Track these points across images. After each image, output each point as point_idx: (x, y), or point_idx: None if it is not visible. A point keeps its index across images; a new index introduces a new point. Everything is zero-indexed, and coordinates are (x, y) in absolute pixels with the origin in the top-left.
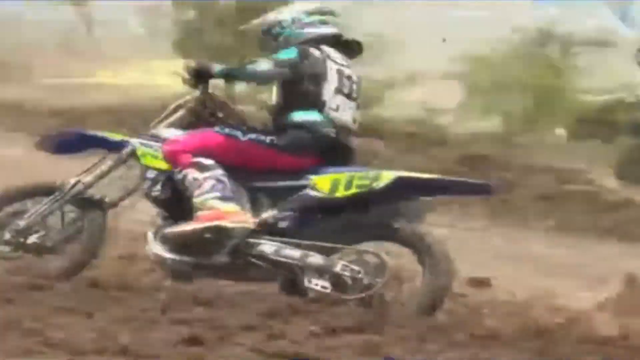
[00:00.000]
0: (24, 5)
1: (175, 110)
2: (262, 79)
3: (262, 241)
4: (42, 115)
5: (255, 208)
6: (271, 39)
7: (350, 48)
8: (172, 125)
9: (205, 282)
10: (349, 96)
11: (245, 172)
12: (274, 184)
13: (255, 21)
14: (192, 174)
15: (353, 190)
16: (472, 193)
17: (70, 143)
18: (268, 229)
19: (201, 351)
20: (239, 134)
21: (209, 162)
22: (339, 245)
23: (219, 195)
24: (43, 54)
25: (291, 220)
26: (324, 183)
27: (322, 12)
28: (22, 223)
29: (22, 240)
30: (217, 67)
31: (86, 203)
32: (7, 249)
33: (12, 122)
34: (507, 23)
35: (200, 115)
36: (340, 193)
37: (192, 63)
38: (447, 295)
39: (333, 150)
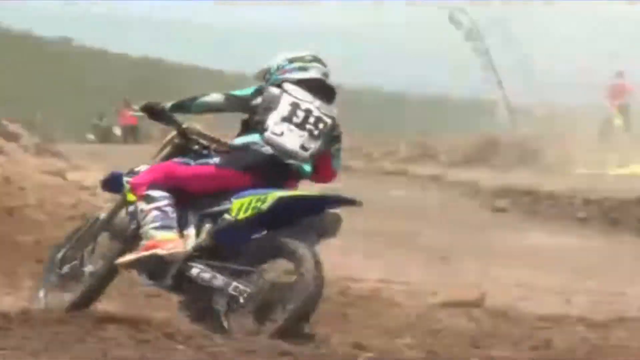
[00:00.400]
0: None
1: (165, 145)
2: (211, 109)
3: (193, 265)
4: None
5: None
6: (264, 83)
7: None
8: (162, 159)
9: None
10: (300, 126)
11: (196, 199)
12: (211, 210)
13: (258, 70)
14: (141, 205)
15: (249, 213)
16: (344, 205)
17: (113, 183)
18: (206, 253)
19: None
20: (190, 160)
21: (157, 193)
22: (242, 267)
23: (157, 225)
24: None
25: (214, 243)
26: (235, 207)
27: (302, 60)
28: (59, 255)
29: (58, 270)
30: (168, 103)
31: (115, 233)
32: (54, 279)
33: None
34: None
35: (187, 146)
36: (241, 216)
37: (143, 103)
38: (312, 309)
39: (271, 169)
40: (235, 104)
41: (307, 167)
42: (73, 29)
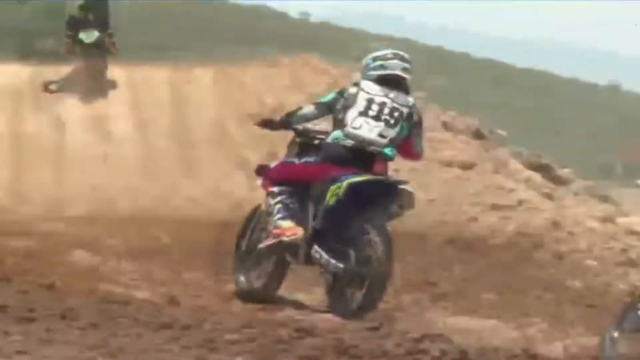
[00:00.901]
0: None
1: (291, 146)
2: (308, 119)
3: (313, 246)
4: None
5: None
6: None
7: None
8: (294, 156)
9: None
10: (376, 118)
11: (313, 189)
12: (320, 196)
13: None
14: (268, 201)
15: (333, 200)
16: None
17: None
18: (321, 235)
19: None
20: (295, 160)
21: (277, 189)
22: (338, 247)
23: (280, 216)
24: None
25: (322, 227)
26: (329, 194)
27: (384, 58)
28: (244, 244)
29: (247, 257)
30: (279, 118)
31: None
32: (246, 265)
33: None
34: None
35: (308, 142)
36: (330, 203)
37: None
38: (382, 285)
39: (357, 157)
40: (324, 109)
41: (389, 152)
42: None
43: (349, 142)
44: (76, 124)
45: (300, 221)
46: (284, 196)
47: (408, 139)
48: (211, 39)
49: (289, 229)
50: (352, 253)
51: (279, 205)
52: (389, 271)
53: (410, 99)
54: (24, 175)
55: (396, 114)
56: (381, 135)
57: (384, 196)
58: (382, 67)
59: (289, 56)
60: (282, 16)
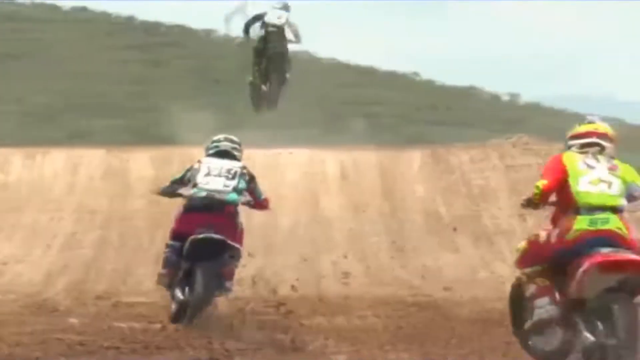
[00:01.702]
0: None
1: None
2: (166, 194)
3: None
4: None
5: None
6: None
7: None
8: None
9: None
10: (218, 175)
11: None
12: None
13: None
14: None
15: (186, 251)
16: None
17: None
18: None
19: None
20: (182, 209)
21: (168, 243)
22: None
23: (162, 264)
24: None
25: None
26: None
27: (219, 140)
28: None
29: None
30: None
31: None
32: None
33: None
34: None
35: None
36: (185, 252)
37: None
38: (197, 310)
39: (210, 204)
40: (176, 185)
41: (233, 196)
42: None
43: (203, 194)
44: (289, 202)
45: (174, 267)
46: (168, 249)
47: (251, 194)
48: (422, 121)
49: (161, 275)
50: (187, 288)
51: (164, 256)
52: (205, 301)
53: (240, 163)
54: None
55: (232, 171)
56: (225, 185)
57: (219, 248)
58: (217, 146)
59: (498, 137)
60: (493, 97)
